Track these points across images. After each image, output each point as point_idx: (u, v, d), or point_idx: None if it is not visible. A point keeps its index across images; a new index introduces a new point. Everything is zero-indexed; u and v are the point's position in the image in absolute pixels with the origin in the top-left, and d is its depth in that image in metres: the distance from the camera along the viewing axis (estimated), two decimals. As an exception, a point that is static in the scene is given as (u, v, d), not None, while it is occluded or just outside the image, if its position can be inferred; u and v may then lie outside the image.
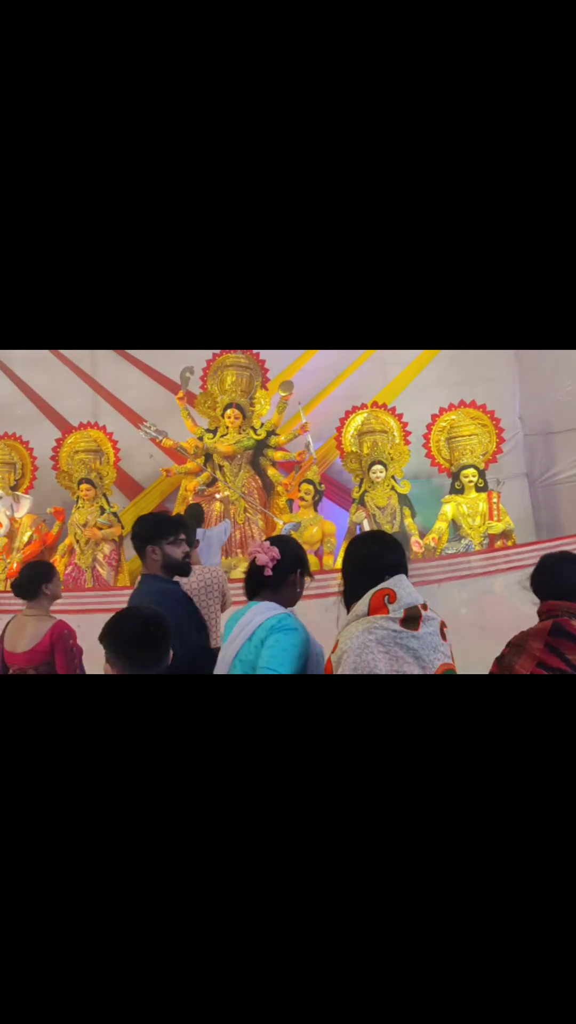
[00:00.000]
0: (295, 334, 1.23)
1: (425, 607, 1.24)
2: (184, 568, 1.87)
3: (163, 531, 1.82)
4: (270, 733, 1.03)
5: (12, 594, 2.20)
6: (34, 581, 2.17)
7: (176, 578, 1.93)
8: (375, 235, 1.14)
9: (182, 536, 1.86)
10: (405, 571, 1.29)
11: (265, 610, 1.41)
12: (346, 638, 1.22)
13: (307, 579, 1.51)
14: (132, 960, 0.96)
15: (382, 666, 1.16)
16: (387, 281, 1.16)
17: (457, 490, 4.35)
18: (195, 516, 3.70)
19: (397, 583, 1.24)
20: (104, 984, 0.94)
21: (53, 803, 1.01)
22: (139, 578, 1.91)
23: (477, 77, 1.09)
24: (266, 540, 1.48)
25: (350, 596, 1.31)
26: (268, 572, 1.42)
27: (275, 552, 1.42)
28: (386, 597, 1.21)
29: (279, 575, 1.43)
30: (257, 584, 1.47)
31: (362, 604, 1.24)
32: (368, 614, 1.23)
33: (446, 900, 0.97)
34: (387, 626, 1.19)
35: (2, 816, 1.00)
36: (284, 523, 4.23)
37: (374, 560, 1.30)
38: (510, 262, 1.14)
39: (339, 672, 1.20)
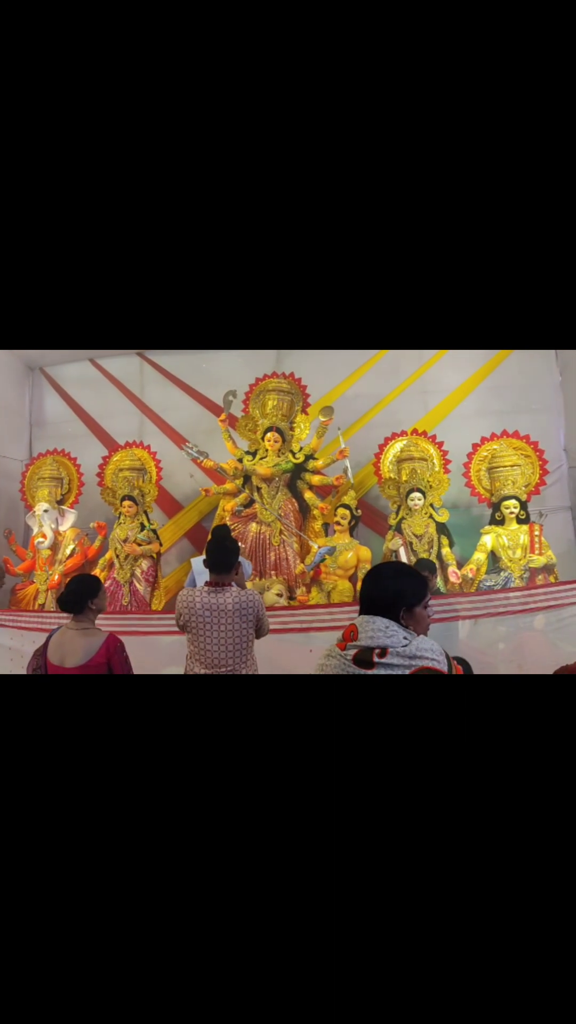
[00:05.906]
0: (316, 334, 1.22)
1: (383, 655, 1.16)
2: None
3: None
4: (262, 731, 1.04)
5: (57, 607, 2.24)
6: (80, 597, 2.18)
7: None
8: (399, 235, 1.13)
9: None
10: (382, 608, 1.24)
11: None
12: (321, 657, 1.27)
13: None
14: (131, 958, 0.95)
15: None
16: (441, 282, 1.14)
17: (497, 521, 4.27)
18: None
19: (365, 622, 1.22)
20: (100, 974, 0.94)
21: (53, 802, 1.02)
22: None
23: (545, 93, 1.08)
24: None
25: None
26: None
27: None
28: (351, 632, 1.22)
29: None
30: None
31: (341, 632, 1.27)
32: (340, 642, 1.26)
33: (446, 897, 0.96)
34: (341, 657, 1.22)
35: (10, 813, 1.02)
36: (319, 547, 4.23)
37: (365, 591, 1.31)
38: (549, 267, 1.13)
39: None
